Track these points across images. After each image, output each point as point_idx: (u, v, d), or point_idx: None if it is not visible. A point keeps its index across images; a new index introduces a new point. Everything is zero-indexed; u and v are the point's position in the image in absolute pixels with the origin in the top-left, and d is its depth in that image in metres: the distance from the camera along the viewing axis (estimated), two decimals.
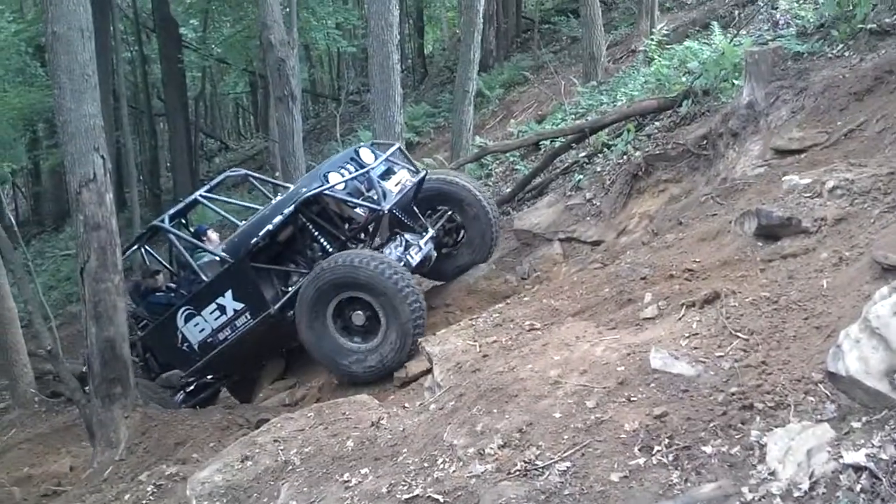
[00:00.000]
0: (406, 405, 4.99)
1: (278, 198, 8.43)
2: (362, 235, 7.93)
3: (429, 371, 5.72)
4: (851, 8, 7.52)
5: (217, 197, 9.25)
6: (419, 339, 6.36)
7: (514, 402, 3.91)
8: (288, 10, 13.80)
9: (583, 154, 10.68)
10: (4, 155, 17.75)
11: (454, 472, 3.55)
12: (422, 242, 8.01)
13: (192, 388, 9.21)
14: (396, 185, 8.00)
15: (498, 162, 13.25)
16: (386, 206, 7.55)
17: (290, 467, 4.34)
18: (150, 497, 5.82)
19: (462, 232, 8.83)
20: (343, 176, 7.83)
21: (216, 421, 7.11)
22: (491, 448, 3.60)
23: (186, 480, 4.98)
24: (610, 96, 12.47)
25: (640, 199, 8.99)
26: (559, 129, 11.87)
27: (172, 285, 9.11)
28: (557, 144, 11.28)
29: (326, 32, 20.88)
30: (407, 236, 8.08)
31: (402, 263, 7.47)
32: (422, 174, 8.36)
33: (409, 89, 21.31)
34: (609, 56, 15.12)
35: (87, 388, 7.59)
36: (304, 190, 7.75)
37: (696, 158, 8.51)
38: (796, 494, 2.49)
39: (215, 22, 25.23)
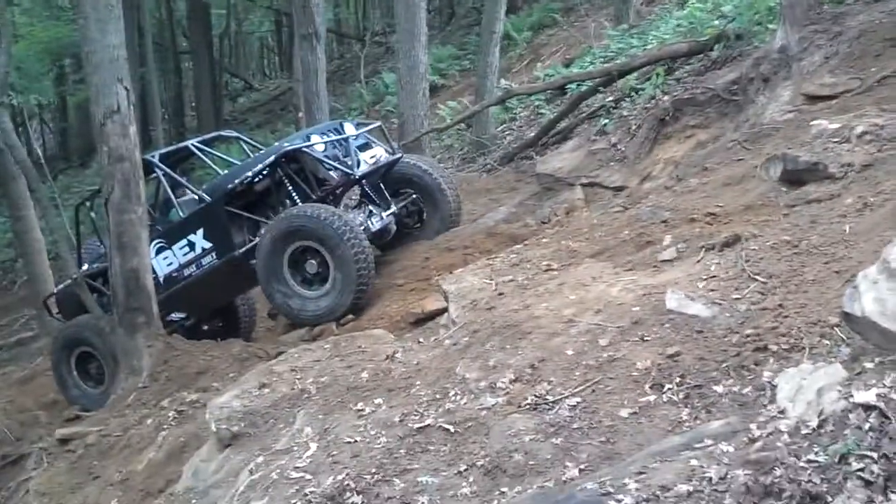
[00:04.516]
0: (421, 340, 5.03)
1: (260, 152, 8.88)
2: (332, 198, 8.31)
3: (444, 310, 5.75)
4: None
5: (208, 149, 9.43)
6: (438, 280, 6.47)
7: (527, 339, 3.93)
8: None
9: (610, 98, 10.56)
10: (32, 88, 17.80)
11: (465, 404, 3.58)
12: (384, 214, 8.58)
13: None
14: (371, 158, 8.56)
15: (523, 105, 13.15)
16: (358, 173, 8.14)
17: (306, 395, 4.40)
18: (172, 422, 5.99)
19: (424, 215, 9.25)
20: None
21: (236, 352, 7.25)
22: (503, 382, 3.62)
23: (206, 407, 5.07)
24: (641, 40, 12.25)
25: (666, 145, 8.89)
26: (586, 72, 11.73)
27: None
28: (584, 88, 11.15)
29: None
30: (371, 207, 8.62)
31: (363, 228, 7.90)
32: (398, 156, 8.95)
33: (435, 31, 21.01)
34: None
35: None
36: (287, 144, 8.30)
37: (726, 104, 8.39)
38: (804, 432, 2.49)
39: None
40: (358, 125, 8.95)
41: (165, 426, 5.97)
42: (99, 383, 8.64)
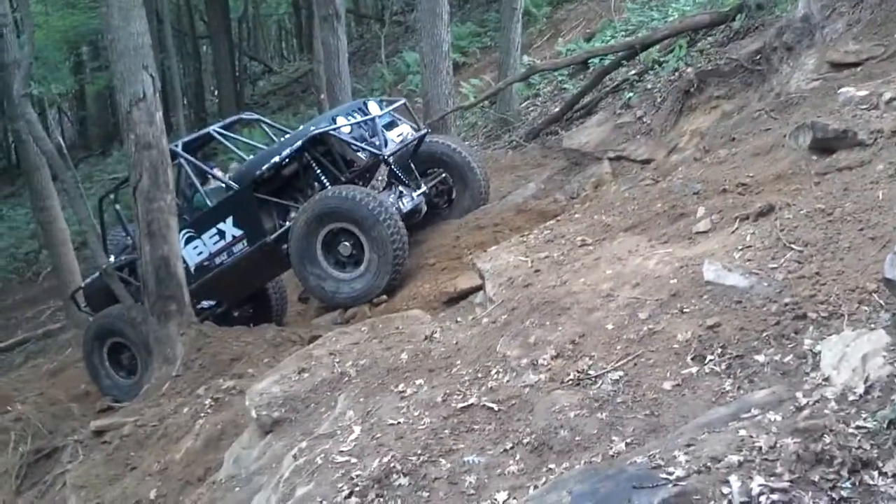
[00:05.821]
0: (459, 319, 5.06)
1: (286, 136, 8.83)
2: (360, 180, 8.31)
3: (477, 288, 5.77)
4: None
5: (230, 134, 9.44)
6: (472, 258, 6.50)
7: (566, 315, 3.95)
8: None
9: (633, 72, 10.51)
10: (51, 77, 17.92)
11: (508, 381, 3.62)
12: (414, 195, 8.54)
13: None
14: (398, 136, 8.53)
15: (546, 81, 13.09)
16: (386, 153, 8.10)
17: (346, 378, 4.44)
18: (209, 410, 6.03)
19: (454, 194, 9.23)
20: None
21: (270, 338, 7.29)
22: (544, 359, 3.66)
23: (243, 393, 5.13)
24: (661, 12, 12.16)
25: (692, 117, 8.85)
26: (609, 46, 11.66)
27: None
28: (607, 62, 11.10)
29: None
30: (401, 188, 8.57)
31: (394, 209, 7.91)
32: (424, 131, 8.88)
33: (454, 9, 20.86)
34: None
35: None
36: (313, 128, 8.22)
37: (750, 74, 8.33)
38: (851, 398, 2.51)
39: None
40: (381, 103, 8.93)
41: (202, 414, 6.01)
42: (132, 373, 8.72)
